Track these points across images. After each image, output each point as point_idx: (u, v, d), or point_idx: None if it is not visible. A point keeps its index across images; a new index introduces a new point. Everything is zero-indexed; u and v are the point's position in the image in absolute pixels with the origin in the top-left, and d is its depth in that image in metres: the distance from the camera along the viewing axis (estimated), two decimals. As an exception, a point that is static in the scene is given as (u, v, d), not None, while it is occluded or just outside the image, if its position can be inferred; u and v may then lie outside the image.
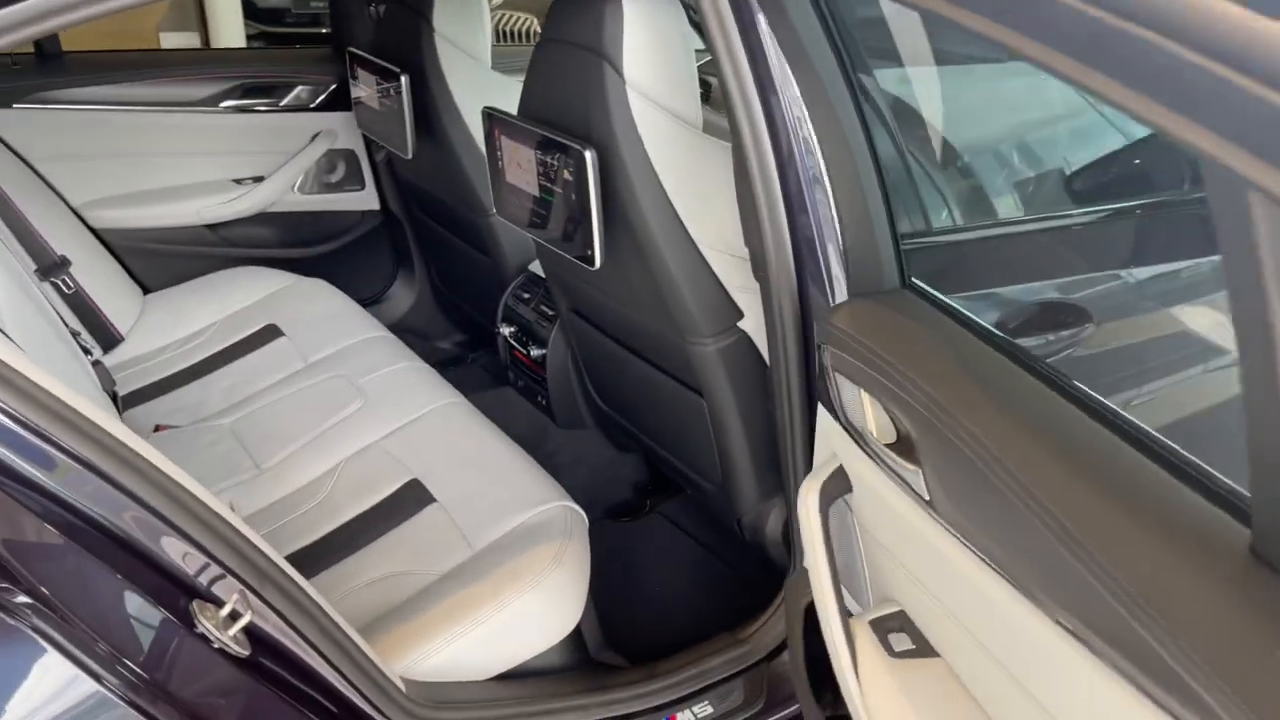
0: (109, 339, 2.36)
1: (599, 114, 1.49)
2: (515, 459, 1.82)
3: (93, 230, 2.45)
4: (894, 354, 1.05)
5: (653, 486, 2.31)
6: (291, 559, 1.69)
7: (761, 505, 1.76)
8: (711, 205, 1.53)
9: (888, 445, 1.07)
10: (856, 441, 1.16)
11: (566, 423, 2.28)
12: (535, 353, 2.20)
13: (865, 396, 1.10)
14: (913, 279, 1.21)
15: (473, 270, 2.55)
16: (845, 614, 1.14)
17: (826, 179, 1.24)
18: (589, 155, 1.49)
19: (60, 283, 2.28)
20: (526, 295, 2.29)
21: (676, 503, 2.28)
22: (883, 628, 1.12)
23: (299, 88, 2.62)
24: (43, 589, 0.92)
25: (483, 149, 2.23)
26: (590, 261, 1.56)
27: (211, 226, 2.60)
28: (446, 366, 2.93)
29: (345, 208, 2.78)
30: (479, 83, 2.26)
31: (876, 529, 1.18)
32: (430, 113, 2.24)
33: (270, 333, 2.34)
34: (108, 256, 2.46)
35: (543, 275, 2.25)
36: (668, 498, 2.29)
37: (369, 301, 2.90)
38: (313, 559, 1.67)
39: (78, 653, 0.92)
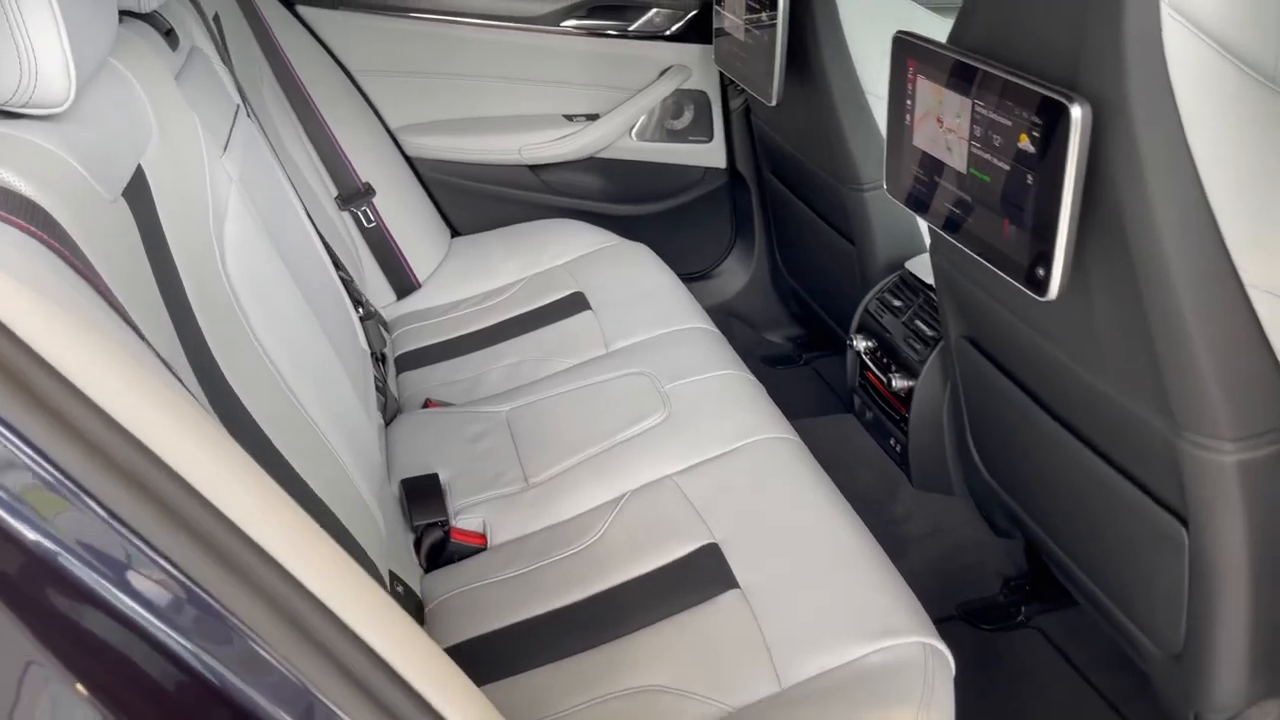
0: (404, 284, 2.08)
1: (1101, 47, 0.88)
2: (861, 548, 1.27)
3: (407, 158, 2.17)
4: None
5: (1031, 586, 1.68)
6: (530, 625, 1.26)
7: (1250, 710, 1.09)
8: (1286, 220, 0.88)
9: None
10: None
11: (925, 482, 1.68)
12: (899, 384, 1.62)
13: None
14: None
15: (828, 257, 2.01)
16: None
17: None
18: (1077, 113, 0.89)
19: (360, 213, 2.01)
20: (898, 303, 1.70)
21: (1065, 617, 1.64)
22: None
23: (653, 10, 2.17)
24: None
25: (871, 99, 1.68)
26: (1042, 288, 0.97)
27: (533, 167, 2.24)
28: (774, 364, 2.43)
29: (687, 161, 2.33)
30: (882, 11, 1.69)
31: None
32: (808, 47, 1.70)
33: (575, 303, 1.94)
34: (419, 190, 2.17)
35: (927, 280, 1.66)
36: (1053, 607, 1.65)
37: (695, 276, 2.45)
38: (556, 633, 1.23)
39: None
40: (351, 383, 1.34)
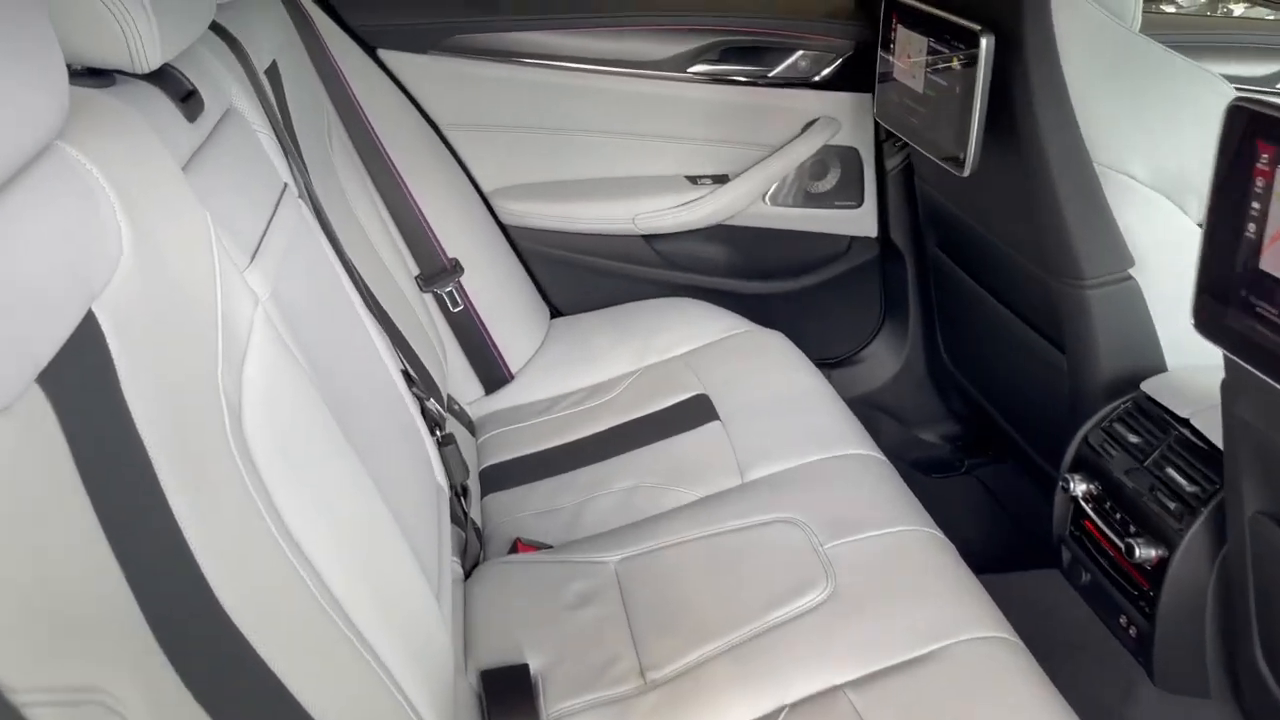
0: (495, 376, 1.75)
1: None
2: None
3: (502, 227, 1.84)
4: None
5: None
6: None
7: None
8: None
9: None
10: None
11: (1173, 682, 1.26)
12: (1144, 553, 1.20)
13: None
14: None
15: (1021, 360, 1.60)
16: None
17: None
18: None
19: (445, 295, 1.68)
20: (1134, 439, 1.29)
21: None
22: None
23: (798, 53, 1.81)
24: None
25: (1101, 170, 1.28)
26: None
27: (648, 237, 1.89)
28: (929, 470, 2.03)
29: (831, 229, 1.95)
30: (1116, 58, 1.30)
31: None
32: (1014, 103, 1.31)
33: (699, 410, 1.57)
34: (515, 265, 1.84)
35: (1181, 412, 1.25)
36: None
37: (834, 362, 2.06)
38: None
39: None
40: (415, 556, 1.00)
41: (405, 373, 1.29)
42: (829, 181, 1.92)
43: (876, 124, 1.83)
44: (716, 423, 1.54)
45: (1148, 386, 1.32)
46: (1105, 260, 1.32)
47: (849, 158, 1.89)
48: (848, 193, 1.92)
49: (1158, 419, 1.28)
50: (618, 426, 1.60)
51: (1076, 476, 1.34)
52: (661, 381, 1.68)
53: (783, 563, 1.23)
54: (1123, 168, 1.30)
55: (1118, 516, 1.27)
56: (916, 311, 2.01)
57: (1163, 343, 1.36)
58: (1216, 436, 1.19)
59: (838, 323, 2.04)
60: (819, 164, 1.89)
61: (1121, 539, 1.24)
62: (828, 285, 1.98)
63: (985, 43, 1.29)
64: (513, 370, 1.76)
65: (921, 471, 2.03)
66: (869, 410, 2.11)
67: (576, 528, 1.42)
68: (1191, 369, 1.34)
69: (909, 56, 1.50)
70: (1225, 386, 0.99)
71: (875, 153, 1.88)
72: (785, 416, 1.52)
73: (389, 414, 1.16)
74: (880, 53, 1.61)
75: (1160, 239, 1.32)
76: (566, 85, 1.79)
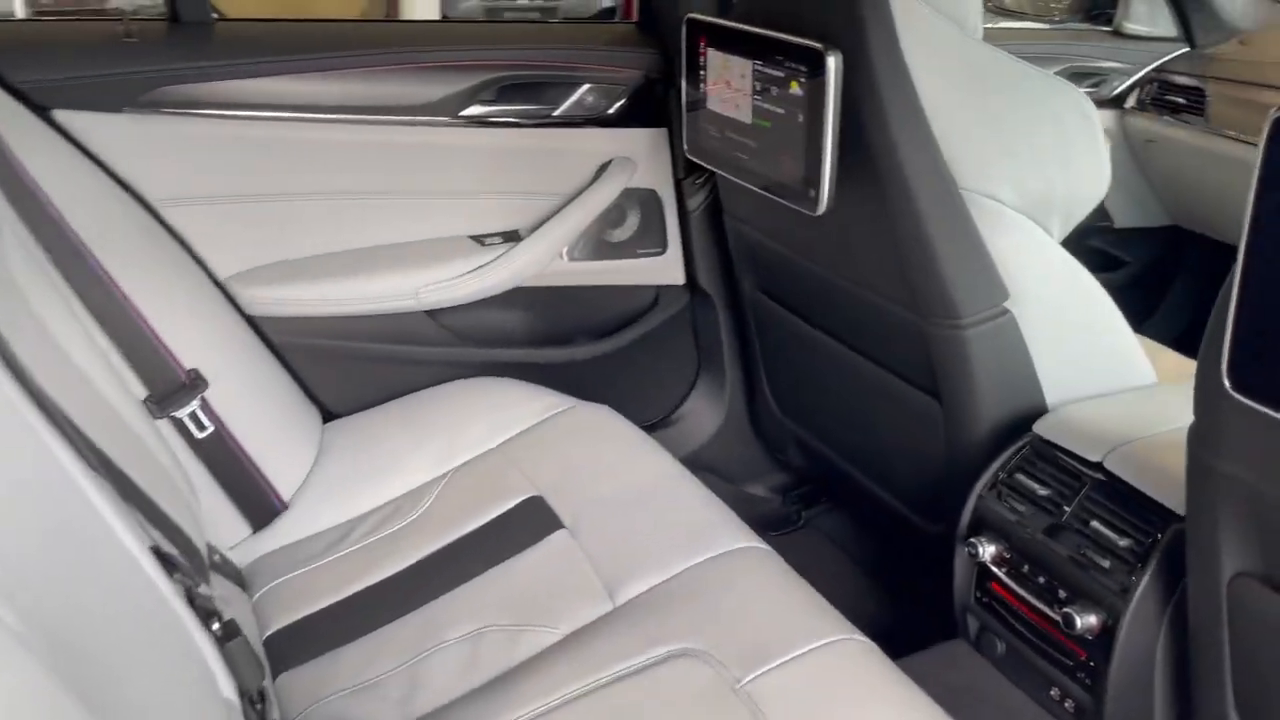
0: (263, 509, 1.38)
1: None
2: None
3: (250, 321, 1.48)
4: None
5: None
6: None
7: None
8: None
9: None
10: None
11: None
12: (1085, 623, 1.06)
13: None
14: None
15: (880, 410, 1.46)
16: None
17: None
18: None
19: (187, 418, 1.30)
20: (1043, 491, 1.16)
21: None
22: None
23: (584, 88, 1.59)
24: None
25: (969, 196, 1.16)
26: None
27: (431, 312, 1.60)
28: (765, 528, 1.86)
29: (634, 280, 1.75)
30: (967, 71, 1.17)
31: None
32: (866, 128, 1.15)
33: (537, 516, 1.30)
34: (271, 364, 1.48)
35: (1091, 456, 1.13)
36: None
37: (651, 425, 1.86)
38: None
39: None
40: None
41: (157, 551, 0.92)
42: (628, 228, 1.71)
43: (674, 161, 1.65)
44: (562, 531, 1.27)
45: (1041, 429, 1.20)
46: (981, 295, 1.19)
47: (648, 200, 1.70)
48: (649, 239, 1.72)
49: (1063, 465, 1.16)
50: (437, 553, 1.30)
51: (981, 539, 1.20)
52: (480, 484, 1.39)
53: (699, 713, 0.98)
54: (989, 191, 1.17)
55: (1041, 580, 1.14)
56: (733, 360, 1.84)
57: (1040, 379, 1.25)
58: (1138, 480, 1.08)
59: (653, 382, 1.83)
60: (616, 209, 1.68)
61: (1054, 608, 1.10)
62: (638, 343, 1.77)
63: (832, 62, 1.13)
64: (285, 497, 1.40)
65: (759, 530, 1.86)
66: (693, 471, 1.93)
67: (413, 703, 1.10)
68: (1075, 404, 1.24)
69: (728, 83, 1.31)
70: (1196, 437, 0.86)
71: (676, 191, 1.69)
72: (643, 512, 1.28)
73: (146, 629, 0.80)
74: (684, 82, 1.41)
75: (1033, 267, 1.21)
76: (312, 140, 1.46)
